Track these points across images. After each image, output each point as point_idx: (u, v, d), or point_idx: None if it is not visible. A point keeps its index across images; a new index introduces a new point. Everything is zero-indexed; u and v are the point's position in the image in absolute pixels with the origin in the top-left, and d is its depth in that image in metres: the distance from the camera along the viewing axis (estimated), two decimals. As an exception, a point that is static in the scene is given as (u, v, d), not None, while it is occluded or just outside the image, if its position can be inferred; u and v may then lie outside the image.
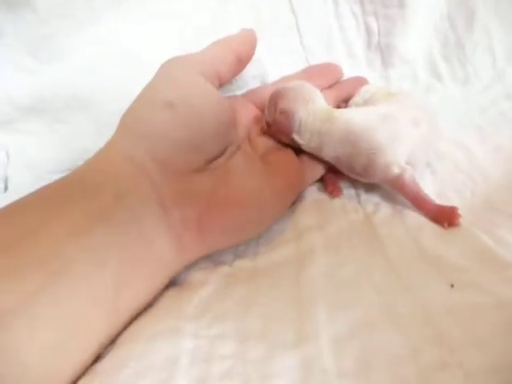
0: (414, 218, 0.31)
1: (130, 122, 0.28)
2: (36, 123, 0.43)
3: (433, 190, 0.35)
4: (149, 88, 0.28)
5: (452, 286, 0.23)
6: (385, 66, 0.46)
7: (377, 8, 0.42)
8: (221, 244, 0.29)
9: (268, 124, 0.35)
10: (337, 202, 0.35)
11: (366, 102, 0.37)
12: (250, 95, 0.40)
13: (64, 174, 0.25)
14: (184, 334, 0.23)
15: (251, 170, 0.31)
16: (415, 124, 0.32)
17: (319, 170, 0.36)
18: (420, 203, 0.30)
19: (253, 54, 0.34)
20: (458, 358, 0.18)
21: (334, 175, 0.36)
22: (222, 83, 0.32)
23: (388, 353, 0.20)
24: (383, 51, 0.45)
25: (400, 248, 0.29)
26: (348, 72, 0.45)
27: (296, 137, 0.34)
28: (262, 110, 0.37)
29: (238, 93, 0.44)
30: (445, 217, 0.29)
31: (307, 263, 0.29)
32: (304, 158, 0.36)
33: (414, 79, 0.46)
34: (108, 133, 0.44)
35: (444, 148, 0.38)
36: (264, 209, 0.30)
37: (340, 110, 0.34)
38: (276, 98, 0.34)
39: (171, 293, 0.27)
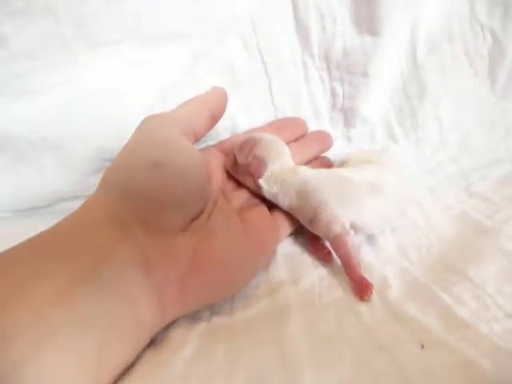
0: (381, 273, 0.34)
1: (113, 180, 0.28)
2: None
3: (393, 243, 0.38)
4: (132, 147, 0.29)
5: (422, 346, 0.25)
6: (347, 126, 0.50)
7: (342, 75, 0.46)
8: (200, 303, 0.29)
9: (234, 164, 0.37)
10: (307, 256, 0.37)
11: (342, 165, 0.40)
12: (221, 145, 0.42)
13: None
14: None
15: (230, 229, 0.31)
16: (374, 192, 0.35)
17: (291, 226, 0.38)
18: (348, 268, 0.33)
19: (224, 110, 0.36)
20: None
21: (316, 238, 0.38)
22: (197, 140, 0.33)
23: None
24: (346, 113, 0.49)
25: (369, 305, 0.31)
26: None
27: (261, 182, 0.36)
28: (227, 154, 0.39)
29: (210, 143, 0.46)
30: (360, 290, 0.31)
31: (284, 321, 0.29)
32: (276, 213, 0.38)
33: (372, 139, 0.51)
34: (77, 177, 0.44)
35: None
36: (244, 267, 0.30)
37: (304, 167, 0.38)
38: (252, 144, 0.37)
39: (151, 356, 0.26)
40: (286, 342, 0.27)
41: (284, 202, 0.36)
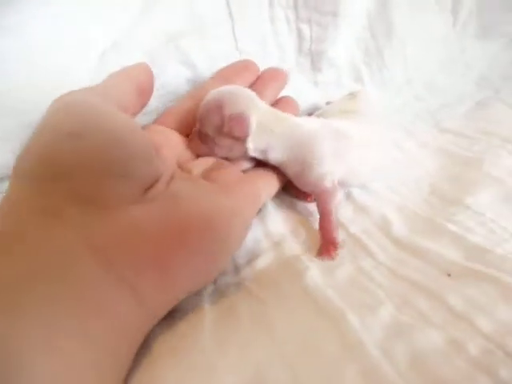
0: (378, 212, 0.34)
1: (28, 165, 0.21)
2: None
3: (382, 184, 0.38)
4: (45, 123, 0.23)
5: (449, 275, 0.25)
6: (313, 70, 0.48)
7: (311, 14, 0.44)
8: (190, 284, 0.24)
9: (202, 137, 0.32)
10: (299, 205, 0.36)
11: (323, 114, 0.38)
12: (163, 119, 0.35)
13: None
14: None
15: (201, 190, 0.27)
16: (364, 146, 0.34)
17: (275, 184, 0.34)
18: (326, 224, 0.31)
19: (153, 85, 0.30)
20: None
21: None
22: (129, 115, 0.28)
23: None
24: (313, 56, 0.47)
25: (378, 245, 0.30)
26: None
27: (250, 140, 0.31)
28: (189, 125, 0.33)
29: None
30: (327, 248, 0.30)
31: (299, 273, 0.28)
32: (259, 171, 0.34)
33: (338, 83, 0.49)
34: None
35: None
36: (229, 228, 0.25)
37: (289, 115, 0.34)
38: (218, 104, 0.31)
39: (167, 331, 0.23)
40: (313, 293, 0.25)
41: (274, 155, 0.32)
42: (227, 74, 0.38)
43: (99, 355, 0.18)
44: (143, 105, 0.30)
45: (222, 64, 0.45)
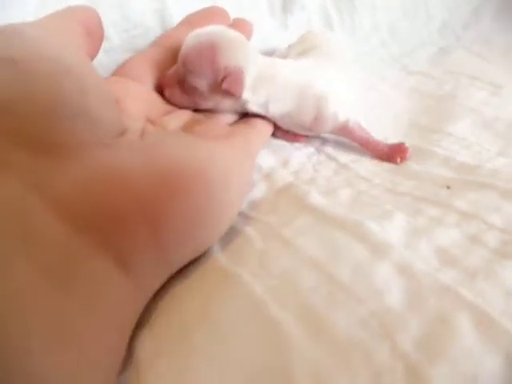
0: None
1: None
2: None
3: (363, 120, 0.38)
4: None
5: (448, 187, 0.26)
6: (285, 13, 0.46)
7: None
8: (187, 247, 0.19)
9: (185, 86, 0.27)
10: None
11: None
12: (128, 67, 0.29)
13: None
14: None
15: (186, 140, 0.22)
16: (340, 78, 0.33)
17: (266, 133, 0.32)
18: (371, 146, 0.32)
19: (102, 27, 0.26)
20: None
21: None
22: None
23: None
24: (285, -3, 0.45)
25: (369, 172, 0.30)
26: (250, 17, 0.44)
27: (247, 95, 0.28)
28: (156, 77, 0.29)
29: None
30: (396, 153, 0.30)
31: (301, 199, 0.26)
32: (247, 121, 0.31)
33: (308, 26, 0.48)
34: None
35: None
36: (226, 180, 0.21)
37: (279, 60, 0.31)
38: (212, 53, 0.26)
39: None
40: (323, 210, 0.24)
41: (277, 107, 0.30)
42: (197, 20, 0.34)
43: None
44: (94, 50, 0.24)
45: (192, 3, 0.42)
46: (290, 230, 0.22)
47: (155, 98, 0.27)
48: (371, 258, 0.19)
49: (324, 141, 0.35)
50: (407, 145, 0.31)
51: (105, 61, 0.38)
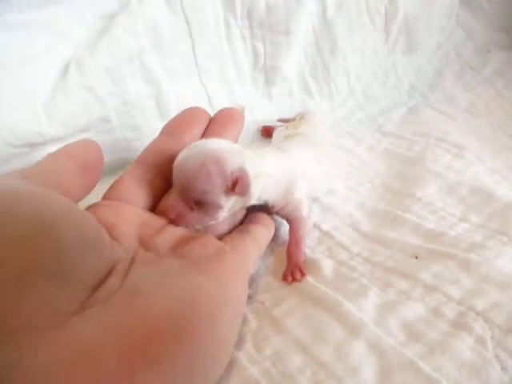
0: (344, 210, 0.38)
1: None
2: None
3: (342, 185, 0.42)
4: None
5: (416, 257, 0.30)
6: (267, 84, 0.51)
7: (264, 33, 0.47)
8: None
9: (192, 205, 0.27)
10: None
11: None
12: (117, 188, 0.29)
13: None
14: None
15: (169, 275, 0.21)
16: (318, 162, 0.37)
17: (268, 234, 0.31)
18: (295, 249, 0.32)
19: (101, 161, 0.27)
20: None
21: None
22: (72, 196, 0.23)
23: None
24: (267, 72, 0.50)
25: (349, 238, 0.34)
26: (237, 91, 0.49)
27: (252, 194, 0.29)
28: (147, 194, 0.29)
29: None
30: (294, 272, 0.30)
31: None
32: (250, 226, 0.31)
33: (290, 96, 0.53)
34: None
35: (334, 153, 0.46)
36: (213, 325, 0.19)
37: (264, 152, 0.34)
38: (219, 167, 0.27)
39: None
40: (309, 291, 0.28)
41: (264, 197, 0.31)
42: (176, 128, 0.34)
43: None
44: (90, 184, 0.25)
45: (183, 80, 0.47)
46: (280, 310, 0.26)
47: (148, 217, 0.27)
48: (348, 338, 0.23)
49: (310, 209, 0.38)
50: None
51: (107, 139, 0.43)
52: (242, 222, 0.32)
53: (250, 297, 0.28)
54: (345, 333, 0.23)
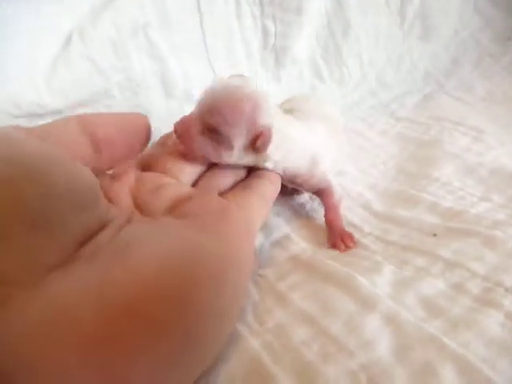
0: (355, 190, 0.35)
1: None
2: None
3: (353, 168, 0.40)
4: None
5: (435, 235, 0.27)
6: (277, 66, 0.50)
7: (275, 11, 0.45)
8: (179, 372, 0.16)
9: (210, 133, 0.25)
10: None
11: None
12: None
13: None
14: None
15: (165, 231, 0.19)
16: (335, 134, 0.35)
17: (274, 191, 0.28)
18: (335, 217, 0.31)
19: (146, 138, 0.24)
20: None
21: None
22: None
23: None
24: (278, 52, 0.48)
25: (361, 219, 0.32)
26: (245, 72, 0.47)
27: (270, 152, 0.27)
28: None
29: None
30: (345, 238, 0.29)
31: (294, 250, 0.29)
32: (253, 182, 0.27)
33: (300, 80, 0.51)
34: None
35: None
36: (216, 287, 0.17)
37: (293, 120, 0.31)
38: (252, 113, 0.25)
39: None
40: (316, 266, 0.26)
41: (285, 165, 0.29)
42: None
43: None
44: (104, 162, 0.22)
45: (191, 58, 0.45)
46: (284, 284, 0.24)
47: (144, 177, 0.24)
48: (361, 311, 0.21)
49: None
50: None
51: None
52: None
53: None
54: (357, 306, 0.21)
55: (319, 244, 0.29)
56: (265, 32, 0.47)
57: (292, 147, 0.28)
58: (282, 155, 0.28)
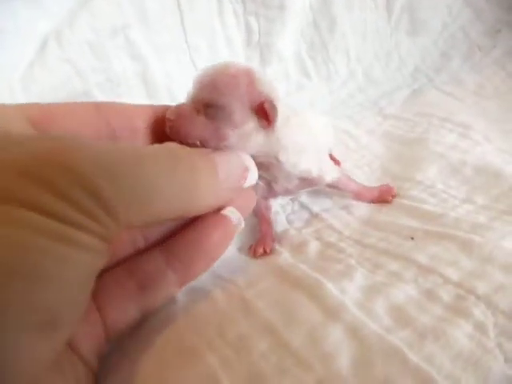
0: (339, 195, 0.35)
1: None
2: None
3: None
4: None
5: (412, 238, 0.27)
6: (262, 63, 0.49)
7: (258, 8, 0.44)
8: None
9: (213, 117, 0.22)
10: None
11: None
12: None
13: None
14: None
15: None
16: (325, 130, 0.33)
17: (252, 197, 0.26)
18: (362, 194, 0.33)
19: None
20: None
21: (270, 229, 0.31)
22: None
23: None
24: (262, 49, 0.47)
25: (344, 224, 0.31)
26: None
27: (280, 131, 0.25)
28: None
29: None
30: (387, 194, 0.33)
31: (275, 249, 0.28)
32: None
33: (286, 77, 0.50)
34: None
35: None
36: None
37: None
38: (247, 79, 0.23)
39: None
40: (287, 271, 0.25)
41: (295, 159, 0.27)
42: None
43: None
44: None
45: (172, 57, 0.45)
46: (253, 291, 0.23)
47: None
48: (325, 321, 0.20)
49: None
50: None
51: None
52: None
53: (222, 277, 0.25)
54: (322, 316, 0.20)
55: (295, 248, 0.29)
56: (248, 29, 0.46)
57: (305, 141, 0.27)
58: (296, 150, 0.26)
